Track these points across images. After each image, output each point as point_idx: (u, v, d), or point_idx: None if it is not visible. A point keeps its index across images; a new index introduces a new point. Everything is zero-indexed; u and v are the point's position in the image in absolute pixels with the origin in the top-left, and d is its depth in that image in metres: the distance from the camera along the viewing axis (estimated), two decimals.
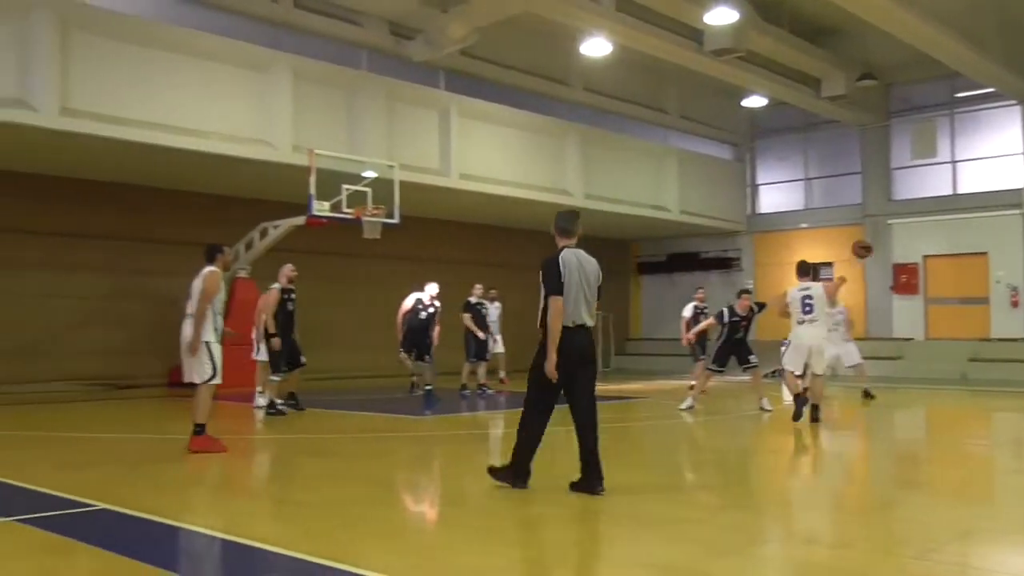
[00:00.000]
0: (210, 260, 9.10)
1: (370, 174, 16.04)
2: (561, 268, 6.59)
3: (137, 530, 5.67)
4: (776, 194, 27.08)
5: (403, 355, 15.36)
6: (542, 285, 6.66)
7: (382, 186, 15.93)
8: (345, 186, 15.35)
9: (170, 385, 17.32)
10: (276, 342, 12.47)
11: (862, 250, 14.21)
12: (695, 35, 18.17)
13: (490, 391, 16.35)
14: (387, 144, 17.57)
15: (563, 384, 6.68)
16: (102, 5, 14.63)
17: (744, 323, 13.31)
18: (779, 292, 12.40)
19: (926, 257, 23.56)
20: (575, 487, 6.66)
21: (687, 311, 16.70)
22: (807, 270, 12.01)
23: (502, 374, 17.82)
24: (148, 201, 18.14)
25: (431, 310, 15.25)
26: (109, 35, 14.21)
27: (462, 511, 6.42)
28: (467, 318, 16.15)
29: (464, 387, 16.14)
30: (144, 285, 18.00)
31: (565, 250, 6.76)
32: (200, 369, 8.84)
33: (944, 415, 15.02)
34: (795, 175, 26.63)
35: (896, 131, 24.36)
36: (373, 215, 15.57)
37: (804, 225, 25.88)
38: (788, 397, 12.58)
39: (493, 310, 17.31)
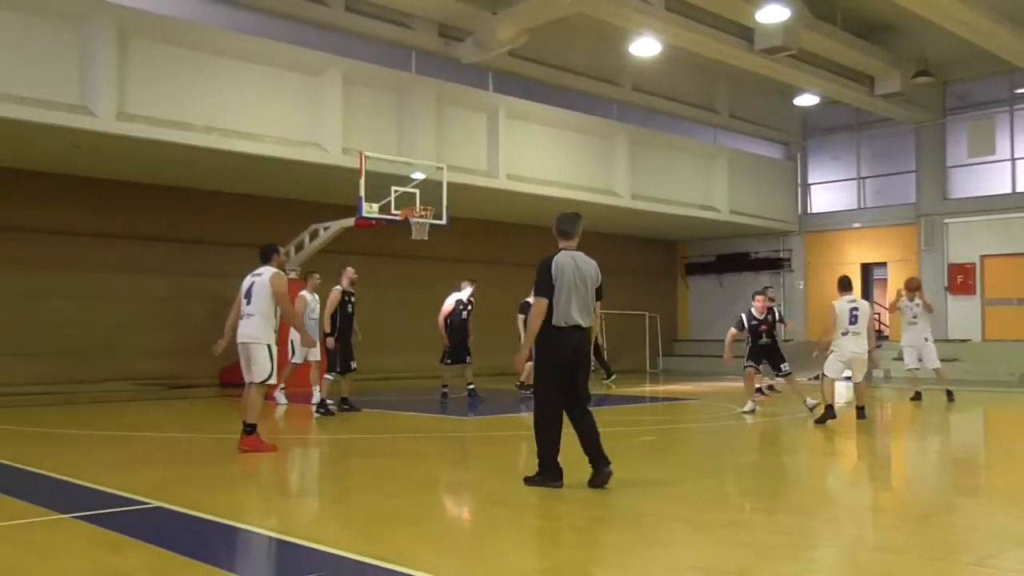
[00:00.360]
0: (266, 260, 9.13)
1: (418, 176, 16.14)
2: (553, 270, 6.78)
3: (191, 528, 5.75)
4: (828, 193, 26.69)
5: (448, 363, 15.27)
6: (534, 284, 6.88)
7: (430, 187, 16.02)
8: (394, 188, 15.46)
9: (222, 385, 17.61)
10: (331, 342, 12.71)
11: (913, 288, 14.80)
12: (746, 33, 18.00)
13: None
14: (435, 146, 17.66)
15: (563, 381, 6.87)
16: (157, 11, 14.91)
17: (764, 327, 13.22)
18: (831, 293, 12.40)
19: (984, 257, 23.06)
20: (590, 483, 6.83)
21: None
22: (848, 285, 12.30)
23: None
24: (201, 203, 18.46)
25: (470, 308, 15.33)
26: (164, 41, 14.49)
27: (512, 512, 6.42)
28: (520, 319, 16.12)
29: (523, 385, 16.17)
30: (196, 286, 18.33)
31: (562, 252, 6.94)
32: (259, 369, 8.84)
33: (1002, 419, 14.68)
34: (848, 174, 26.22)
35: (952, 128, 23.89)
36: (421, 216, 15.67)
37: (857, 225, 25.48)
38: (811, 401, 12.72)
39: None
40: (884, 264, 25.18)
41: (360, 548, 5.08)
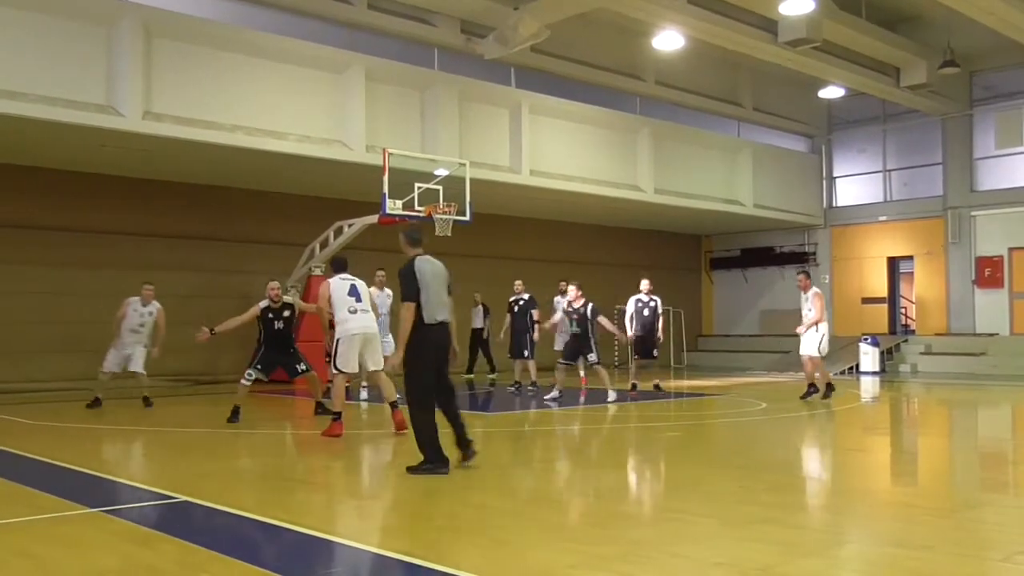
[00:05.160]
0: (341, 270, 10.27)
1: (442, 172, 16.17)
2: (418, 275, 7.35)
3: (217, 522, 5.81)
4: (854, 187, 26.49)
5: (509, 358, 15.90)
6: (401, 290, 7.40)
7: (454, 184, 16.05)
8: (417, 184, 15.51)
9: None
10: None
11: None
12: (769, 26, 17.88)
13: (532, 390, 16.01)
14: (458, 142, 17.69)
15: (435, 372, 7.44)
16: (182, 11, 15.03)
17: (576, 316, 13.62)
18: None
19: (1012, 249, 22.81)
20: (464, 463, 7.47)
21: None
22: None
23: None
24: (226, 201, 18.60)
25: (520, 303, 15.92)
26: (190, 40, 14.62)
27: (537, 508, 6.43)
28: (508, 319, 16.39)
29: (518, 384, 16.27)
30: (223, 283, 18.46)
31: (418, 258, 7.50)
32: (380, 357, 10.18)
33: None
34: (874, 167, 26.01)
35: (979, 120, 23.64)
36: (445, 213, 15.69)
37: (883, 218, 25.28)
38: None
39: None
40: (911, 258, 24.97)
41: (387, 543, 5.11)
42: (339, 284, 10.04)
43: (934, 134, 24.52)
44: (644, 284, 15.50)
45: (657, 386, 15.65)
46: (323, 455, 9.27)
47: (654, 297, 15.37)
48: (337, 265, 10.45)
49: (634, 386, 15.25)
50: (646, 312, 15.27)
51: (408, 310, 7.31)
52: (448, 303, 7.56)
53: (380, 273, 13.87)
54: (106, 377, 13.16)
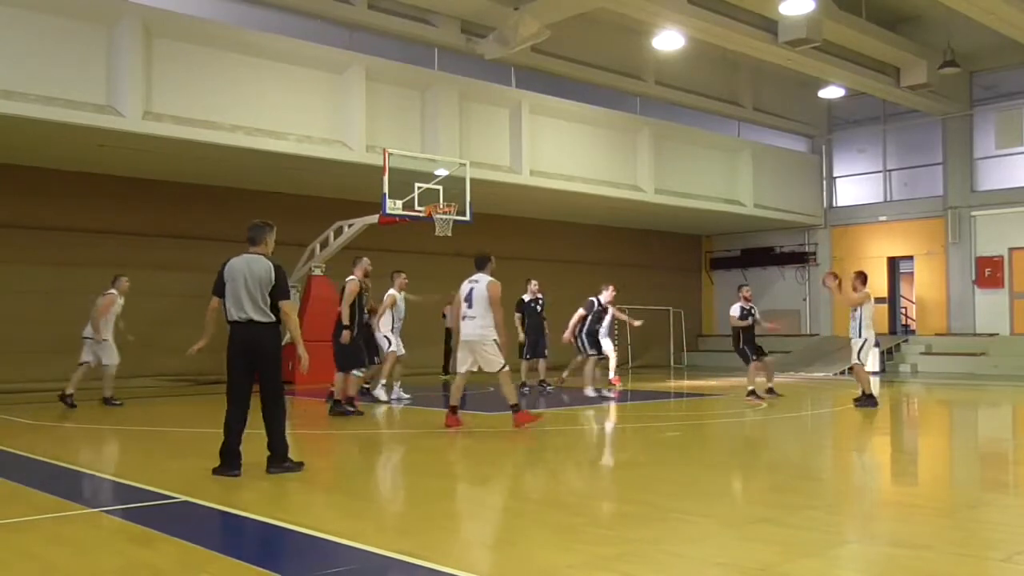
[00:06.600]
0: (481, 268, 10.30)
1: (442, 172, 16.18)
2: (225, 272, 7.50)
3: (218, 523, 5.81)
4: (854, 187, 26.48)
5: (527, 358, 16.47)
6: None
7: (454, 184, 16.06)
8: (417, 184, 15.52)
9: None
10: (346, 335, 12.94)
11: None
12: (769, 26, 17.88)
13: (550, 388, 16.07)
14: (459, 142, 17.69)
15: (245, 372, 7.38)
16: (183, 11, 15.03)
17: (604, 313, 15.17)
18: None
19: (1012, 249, 22.80)
20: (268, 471, 7.34)
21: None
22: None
23: (611, 375, 16.79)
24: (226, 200, 18.57)
25: (541, 302, 16.44)
26: (190, 40, 14.63)
27: (538, 507, 6.43)
28: (518, 317, 16.21)
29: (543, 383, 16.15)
30: None
31: (239, 256, 7.59)
32: (492, 362, 10.12)
33: None
34: (874, 167, 25.99)
35: (980, 120, 23.63)
36: (445, 213, 15.70)
37: (883, 218, 25.27)
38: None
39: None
40: (911, 258, 24.96)
41: (388, 544, 5.10)
42: (463, 286, 10.26)
43: (934, 134, 24.51)
44: (746, 291, 15.59)
45: (771, 390, 15.20)
46: (324, 456, 9.28)
47: (754, 306, 15.50)
48: (475, 263, 10.46)
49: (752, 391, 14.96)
50: (748, 320, 15.36)
51: (209, 305, 7.59)
52: (265, 304, 7.38)
53: (402, 276, 13.78)
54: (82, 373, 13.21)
